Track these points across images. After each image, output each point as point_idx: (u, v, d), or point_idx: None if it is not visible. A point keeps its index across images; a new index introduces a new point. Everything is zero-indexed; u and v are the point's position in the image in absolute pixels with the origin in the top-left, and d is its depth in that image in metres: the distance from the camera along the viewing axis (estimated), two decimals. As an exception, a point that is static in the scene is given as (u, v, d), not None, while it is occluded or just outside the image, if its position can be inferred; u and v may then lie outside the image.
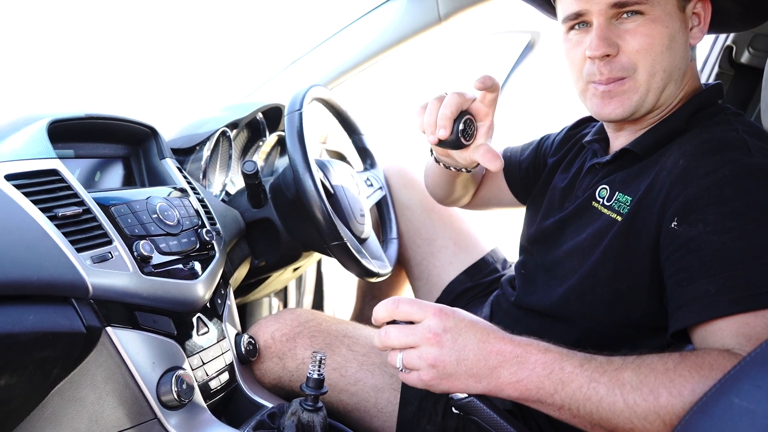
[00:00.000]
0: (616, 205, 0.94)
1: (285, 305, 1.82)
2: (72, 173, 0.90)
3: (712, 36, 1.65)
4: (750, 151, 0.82)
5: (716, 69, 1.60)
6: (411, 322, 0.78)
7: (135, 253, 0.89)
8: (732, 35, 1.56)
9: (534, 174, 1.27)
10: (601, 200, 0.98)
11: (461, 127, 0.96)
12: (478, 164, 1.10)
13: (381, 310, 0.79)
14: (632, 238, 0.89)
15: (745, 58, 1.55)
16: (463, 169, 1.16)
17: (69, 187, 0.86)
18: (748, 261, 0.74)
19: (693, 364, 0.70)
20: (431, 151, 1.16)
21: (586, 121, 1.20)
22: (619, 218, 0.92)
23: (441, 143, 0.99)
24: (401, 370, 0.78)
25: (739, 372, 0.59)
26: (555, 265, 1.03)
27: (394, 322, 0.79)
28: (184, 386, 0.88)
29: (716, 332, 0.74)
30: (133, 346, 0.86)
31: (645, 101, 0.92)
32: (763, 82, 1.15)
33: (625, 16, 0.89)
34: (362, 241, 1.26)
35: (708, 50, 1.66)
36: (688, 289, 0.78)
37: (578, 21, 0.94)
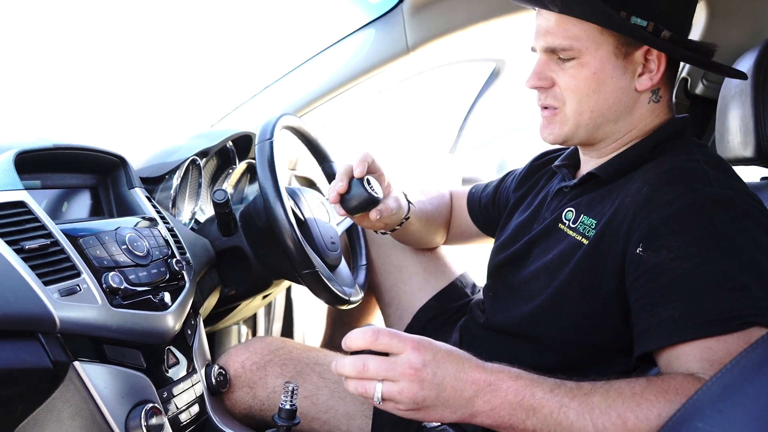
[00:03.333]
0: (581, 227, 0.97)
1: (254, 333, 1.80)
2: (39, 204, 0.88)
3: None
4: (710, 181, 0.86)
5: (673, 100, 1.66)
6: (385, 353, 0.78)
7: (104, 285, 0.88)
8: (687, 68, 1.62)
9: (494, 209, 1.32)
10: (567, 222, 1.01)
11: (362, 184, 1.08)
12: (407, 218, 1.23)
13: (357, 340, 0.78)
14: (598, 261, 0.91)
15: (699, 89, 1.61)
16: (396, 227, 1.25)
17: (36, 219, 0.85)
18: (710, 288, 0.77)
19: (659, 388, 0.72)
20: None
21: (551, 152, 1.24)
22: (585, 241, 0.95)
23: (353, 208, 1.10)
24: (378, 402, 0.78)
25: (701, 397, 0.61)
26: (522, 285, 1.05)
27: (367, 350, 0.79)
28: (154, 420, 0.87)
29: (681, 356, 0.77)
30: (101, 380, 0.85)
31: (576, 134, 0.99)
32: (717, 113, 1.21)
33: (561, 56, 0.95)
34: (333, 268, 1.27)
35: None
36: (652, 314, 0.80)
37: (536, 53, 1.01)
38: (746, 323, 0.74)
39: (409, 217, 1.24)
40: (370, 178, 1.11)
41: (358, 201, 1.09)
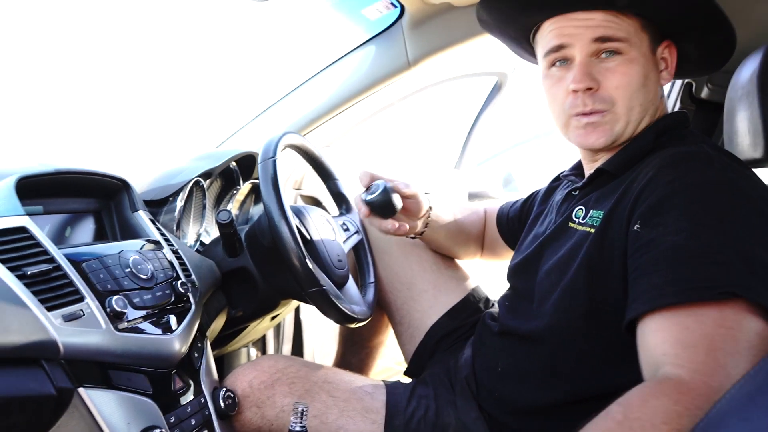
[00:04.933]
0: (591, 220, 0.97)
1: (263, 355, 1.78)
2: (41, 230, 0.87)
3: (672, 73, 1.72)
4: (712, 163, 0.87)
5: (678, 105, 1.66)
6: None
7: (108, 309, 0.86)
8: (691, 72, 1.61)
9: (518, 224, 1.35)
10: (577, 220, 1.02)
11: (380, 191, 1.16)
12: (426, 228, 1.30)
13: None
14: (605, 247, 0.92)
15: (704, 93, 1.60)
16: (412, 236, 1.33)
17: (38, 244, 0.84)
18: (694, 259, 0.78)
19: (638, 402, 0.71)
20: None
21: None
22: (592, 231, 0.95)
23: (372, 207, 1.17)
24: None
25: (725, 405, 0.59)
26: (536, 286, 1.05)
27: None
28: (161, 446, 0.85)
29: (658, 332, 0.77)
30: (106, 406, 0.83)
31: (624, 131, 0.99)
32: (724, 116, 1.19)
33: (604, 55, 0.96)
34: (341, 286, 1.25)
35: (669, 87, 1.72)
36: (640, 283, 0.82)
37: (559, 56, 0.99)
38: (724, 293, 0.74)
39: (423, 232, 1.31)
40: (394, 191, 1.18)
41: (378, 202, 1.16)
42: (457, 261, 1.47)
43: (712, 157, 0.88)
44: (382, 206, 1.16)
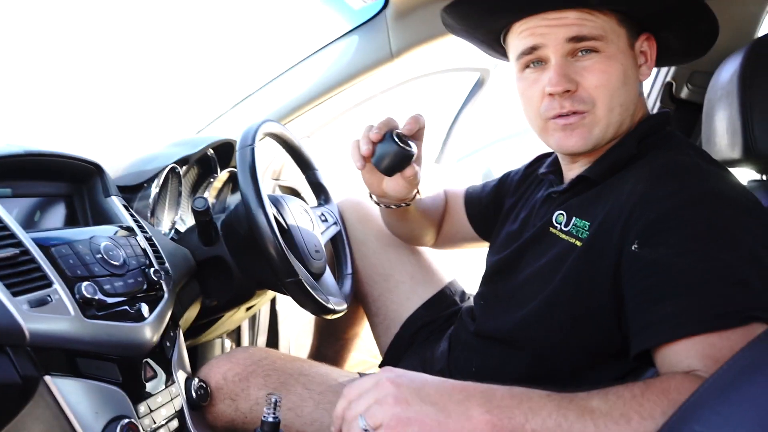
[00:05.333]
0: (574, 230, 0.95)
1: (238, 346, 1.76)
2: (9, 213, 0.85)
3: (653, 73, 1.73)
4: (705, 176, 0.85)
5: (657, 104, 1.67)
6: None
7: (77, 296, 0.84)
8: (671, 72, 1.63)
9: (494, 210, 1.29)
10: (558, 225, 0.99)
11: (395, 139, 1.03)
12: (414, 198, 1.19)
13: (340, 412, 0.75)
14: (592, 262, 0.89)
15: (684, 93, 1.62)
16: (402, 204, 1.21)
17: (5, 228, 0.82)
18: (710, 282, 0.76)
19: (659, 389, 0.69)
20: (370, 194, 1.22)
21: (544, 157, 1.22)
22: (578, 243, 0.93)
23: (387, 167, 1.05)
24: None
25: (698, 399, 0.59)
26: (515, 291, 1.03)
27: None
28: (130, 437, 0.83)
29: (681, 352, 0.75)
30: (74, 395, 0.81)
31: (605, 134, 0.95)
32: (702, 117, 1.20)
33: (580, 54, 0.92)
34: (317, 277, 1.24)
35: (649, 86, 1.73)
36: (652, 311, 0.78)
37: (533, 57, 0.95)
38: (748, 318, 0.72)
39: (415, 196, 1.20)
40: (401, 133, 1.06)
41: (390, 158, 1.04)
42: (435, 253, 1.46)
43: (703, 167, 0.86)
44: (400, 162, 1.04)
